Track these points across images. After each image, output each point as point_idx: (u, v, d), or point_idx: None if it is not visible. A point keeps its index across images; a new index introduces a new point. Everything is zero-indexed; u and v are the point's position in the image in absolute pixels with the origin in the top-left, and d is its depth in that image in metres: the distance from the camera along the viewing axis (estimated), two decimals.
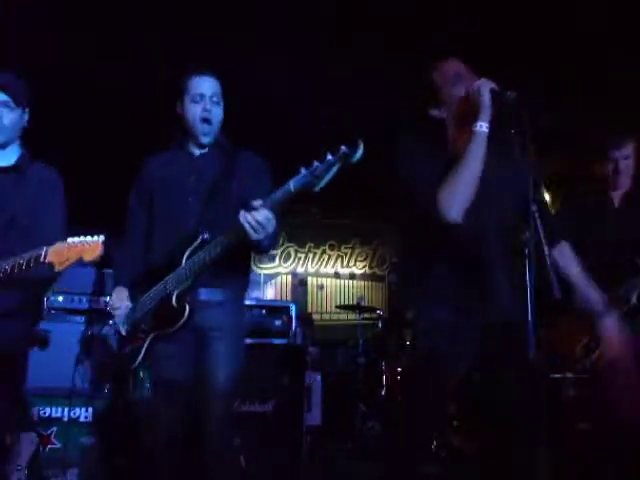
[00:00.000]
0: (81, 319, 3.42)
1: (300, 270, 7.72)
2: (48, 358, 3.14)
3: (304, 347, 4.37)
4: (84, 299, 3.59)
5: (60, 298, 3.43)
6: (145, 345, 2.09)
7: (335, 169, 1.73)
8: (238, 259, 2.12)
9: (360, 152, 1.70)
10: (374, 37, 3.85)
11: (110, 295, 2.25)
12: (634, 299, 2.43)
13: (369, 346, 5.36)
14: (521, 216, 1.92)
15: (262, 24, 3.72)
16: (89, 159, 4.76)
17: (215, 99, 2.16)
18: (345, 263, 7.99)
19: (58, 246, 1.84)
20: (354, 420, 4.73)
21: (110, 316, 2.21)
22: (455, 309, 1.96)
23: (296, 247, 7.72)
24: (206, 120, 2.14)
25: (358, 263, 8.04)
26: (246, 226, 1.84)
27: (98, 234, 1.89)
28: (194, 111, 2.14)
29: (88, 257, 1.82)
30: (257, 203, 1.84)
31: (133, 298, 2.18)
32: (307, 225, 7.42)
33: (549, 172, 4.68)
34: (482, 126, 1.91)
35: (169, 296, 2.03)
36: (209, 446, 2.01)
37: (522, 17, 3.57)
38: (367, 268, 8.06)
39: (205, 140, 2.18)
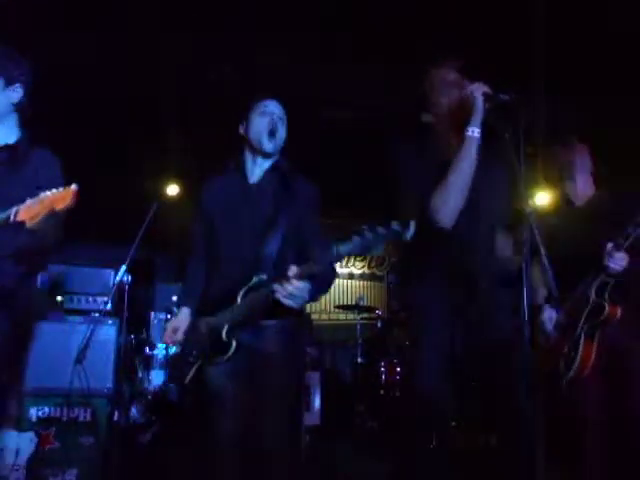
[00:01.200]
0: (81, 319, 3.42)
1: None
2: (47, 358, 3.14)
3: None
4: (83, 299, 3.59)
5: (59, 298, 3.42)
6: (194, 367, 2.12)
7: (382, 242, 1.77)
8: None
9: (411, 233, 1.71)
10: (374, 38, 3.85)
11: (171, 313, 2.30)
12: (593, 295, 2.35)
13: (368, 346, 5.36)
14: (511, 220, 1.95)
15: (263, 24, 3.72)
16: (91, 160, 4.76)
17: (282, 116, 2.22)
18: (344, 263, 7.98)
19: (27, 203, 1.72)
20: (353, 420, 4.73)
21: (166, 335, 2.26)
22: (449, 311, 1.96)
23: None
24: (272, 131, 2.16)
25: (357, 263, 8.04)
26: (279, 297, 1.91)
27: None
28: (261, 122, 2.18)
29: (59, 205, 1.69)
30: (292, 273, 1.89)
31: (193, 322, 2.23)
32: None
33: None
34: (474, 131, 1.92)
35: (219, 329, 2.03)
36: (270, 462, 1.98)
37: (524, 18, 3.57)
38: (366, 268, 8.06)
39: (269, 148, 2.18)
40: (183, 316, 2.27)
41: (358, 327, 5.33)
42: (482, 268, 2.01)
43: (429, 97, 2.10)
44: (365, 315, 5.68)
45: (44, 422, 3.00)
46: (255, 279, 2.03)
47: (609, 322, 2.33)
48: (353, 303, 5.98)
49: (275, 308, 1.98)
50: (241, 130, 2.27)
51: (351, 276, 7.98)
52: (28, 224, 1.70)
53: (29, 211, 1.71)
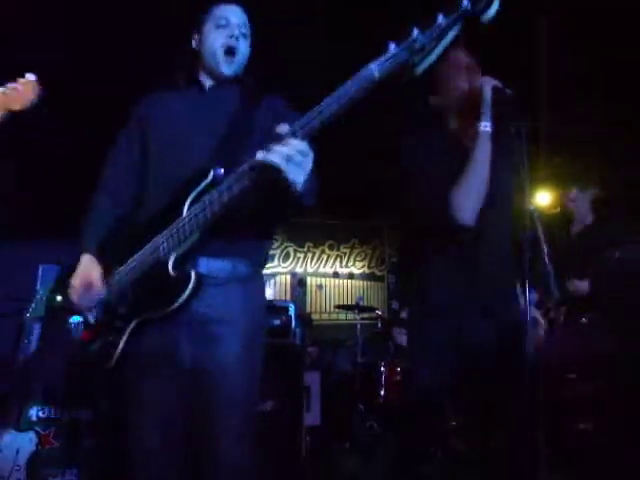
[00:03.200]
0: (80, 319, 3.40)
1: (299, 270, 7.72)
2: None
3: (303, 347, 4.37)
4: None
5: (58, 297, 3.41)
6: (124, 337, 1.51)
7: (450, 36, 1.22)
8: (256, 218, 1.60)
9: (497, 4, 1.18)
10: (375, 24, 3.82)
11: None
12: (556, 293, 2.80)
13: (368, 346, 5.36)
14: (519, 216, 1.93)
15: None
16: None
17: (244, 30, 1.76)
18: (344, 263, 7.98)
19: None
20: (353, 420, 4.73)
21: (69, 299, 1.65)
22: (455, 311, 1.95)
23: (295, 247, 7.72)
24: (231, 50, 1.72)
25: (357, 263, 8.04)
26: (277, 162, 1.30)
27: None
28: (217, 38, 1.72)
29: (19, 105, 1.26)
30: (285, 129, 1.33)
31: (107, 271, 1.60)
32: (306, 225, 7.42)
33: (551, 171, 4.69)
34: (486, 126, 1.91)
35: (163, 262, 1.45)
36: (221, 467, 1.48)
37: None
38: (366, 268, 8.06)
39: (227, 70, 1.73)
40: (86, 265, 1.60)
41: (358, 327, 5.33)
42: (494, 259, 2.00)
43: (442, 80, 2.07)
44: (365, 315, 5.68)
45: (44, 422, 2.99)
46: (210, 175, 1.47)
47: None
48: (353, 303, 5.98)
49: (227, 238, 1.49)
50: (193, 44, 1.81)
51: (351, 276, 7.97)
52: None
53: None
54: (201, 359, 1.52)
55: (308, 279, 7.72)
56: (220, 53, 1.71)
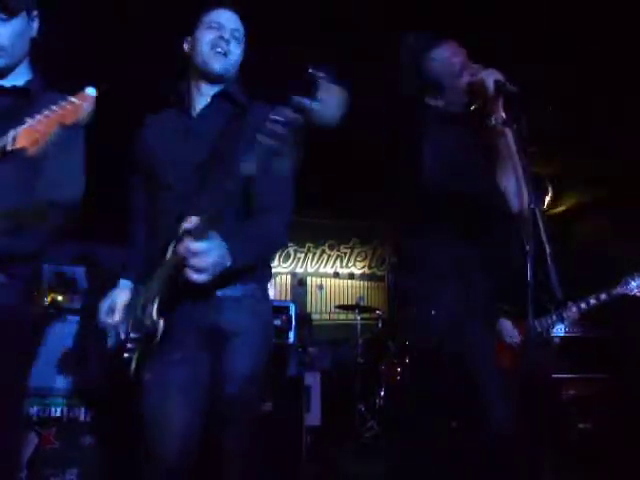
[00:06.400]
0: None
1: (299, 270, 7.72)
2: (48, 357, 3.14)
3: (303, 347, 4.38)
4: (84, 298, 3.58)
5: (60, 297, 3.41)
6: (136, 355, 1.68)
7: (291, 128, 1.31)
8: None
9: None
10: (357, 25, 3.81)
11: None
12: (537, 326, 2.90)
13: (368, 346, 5.37)
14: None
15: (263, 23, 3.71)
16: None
17: (236, 34, 1.79)
18: (344, 263, 7.98)
19: (27, 124, 1.31)
20: (353, 420, 4.74)
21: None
22: (456, 296, 1.95)
23: (295, 247, 7.72)
24: (220, 46, 1.75)
25: (357, 263, 8.03)
26: (187, 273, 1.46)
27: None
28: (208, 38, 1.75)
29: (70, 119, 1.29)
30: (190, 225, 1.46)
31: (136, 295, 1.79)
32: (306, 225, 7.42)
33: (550, 172, 4.69)
34: (497, 119, 1.88)
35: (151, 304, 1.60)
36: (228, 461, 1.64)
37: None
38: (366, 268, 8.06)
39: (217, 67, 1.75)
40: (120, 291, 1.81)
41: (358, 327, 5.34)
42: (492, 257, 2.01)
43: (440, 80, 2.02)
44: (365, 315, 5.69)
45: (45, 422, 3.00)
46: (181, 229, 1.51)
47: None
48: (353, 303, 5.98)
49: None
50: (185, 47, 1.83)
51: (351, 276, 7.97)
52: (30, 151, 1.29)
53: (30, 134, 1.30)
54: (218, 362, 1.66)
55: (308, 279, 7.72)
56: (209, 50, 1.74)
